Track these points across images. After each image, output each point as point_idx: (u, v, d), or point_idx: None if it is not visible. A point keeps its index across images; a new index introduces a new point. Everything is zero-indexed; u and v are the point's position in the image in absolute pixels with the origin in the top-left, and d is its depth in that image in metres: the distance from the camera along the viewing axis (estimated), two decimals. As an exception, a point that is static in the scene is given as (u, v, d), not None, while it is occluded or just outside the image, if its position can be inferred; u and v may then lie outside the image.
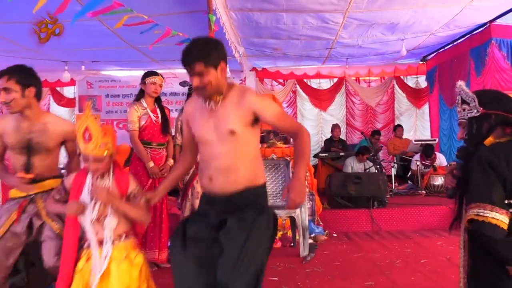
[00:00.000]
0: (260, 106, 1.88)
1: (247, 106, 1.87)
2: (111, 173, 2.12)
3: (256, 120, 1.91)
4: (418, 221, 5.06)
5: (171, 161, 3.62)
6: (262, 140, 6.45)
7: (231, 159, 1.87)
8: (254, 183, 1.92)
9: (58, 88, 9.13)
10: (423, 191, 6.37)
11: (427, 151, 6.70)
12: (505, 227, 1.47)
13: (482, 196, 1.51)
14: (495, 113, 1.59)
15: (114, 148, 2.09)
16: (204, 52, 1.82)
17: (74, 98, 9.02)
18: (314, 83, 9.39)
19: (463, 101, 1.67)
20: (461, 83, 1.69)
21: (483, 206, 1.49)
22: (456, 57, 7.08)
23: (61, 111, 9.24)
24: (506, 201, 1.51)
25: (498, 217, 1.47)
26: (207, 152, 1.94)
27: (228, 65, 7.45)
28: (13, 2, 3.42)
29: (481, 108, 1.60)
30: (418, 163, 6.63)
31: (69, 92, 9.26)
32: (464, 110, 1.67)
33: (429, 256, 3.70)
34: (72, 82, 8.60)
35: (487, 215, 1.48)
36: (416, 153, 7.04)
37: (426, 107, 9.07)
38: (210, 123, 1.89)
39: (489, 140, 1.63)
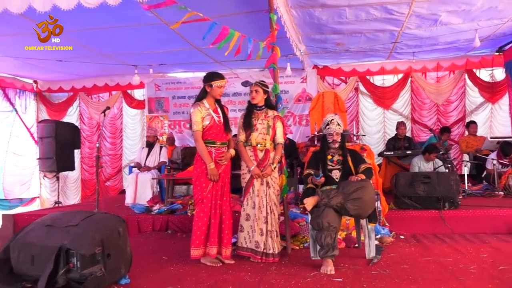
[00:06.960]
0: None
1: None
2: None
3: None
4: (495, 224, 4.67)
5: (232, 151, 3.69)
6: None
7: None
8: None
9: (129, 91, 9.72)
10: (501, 192, 5.87)
11: (505, 149, 6.18)
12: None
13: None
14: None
15: None
16: None
17: (144, 100, 9.55)
18: (377, 81, 9.03)
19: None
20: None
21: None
22: (540, 46, 6.46)
23: (133, 112, 9.85)
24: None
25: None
26: None
27: (289, 64, 7.46)
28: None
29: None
30: (495, 162, 6.14)
31: (139, 94, 9.80)
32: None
33: (509, 263, 3.40)
34: (141, 85, 9.13)
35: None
36: (492, 151, 6.52)
37: (502, 102, 8.38)
38: None
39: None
